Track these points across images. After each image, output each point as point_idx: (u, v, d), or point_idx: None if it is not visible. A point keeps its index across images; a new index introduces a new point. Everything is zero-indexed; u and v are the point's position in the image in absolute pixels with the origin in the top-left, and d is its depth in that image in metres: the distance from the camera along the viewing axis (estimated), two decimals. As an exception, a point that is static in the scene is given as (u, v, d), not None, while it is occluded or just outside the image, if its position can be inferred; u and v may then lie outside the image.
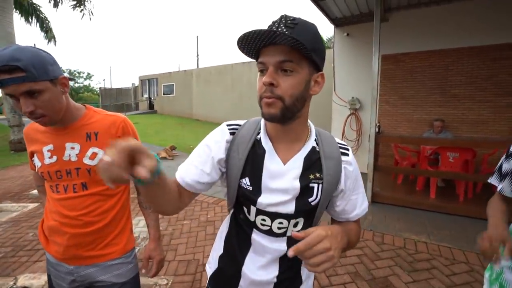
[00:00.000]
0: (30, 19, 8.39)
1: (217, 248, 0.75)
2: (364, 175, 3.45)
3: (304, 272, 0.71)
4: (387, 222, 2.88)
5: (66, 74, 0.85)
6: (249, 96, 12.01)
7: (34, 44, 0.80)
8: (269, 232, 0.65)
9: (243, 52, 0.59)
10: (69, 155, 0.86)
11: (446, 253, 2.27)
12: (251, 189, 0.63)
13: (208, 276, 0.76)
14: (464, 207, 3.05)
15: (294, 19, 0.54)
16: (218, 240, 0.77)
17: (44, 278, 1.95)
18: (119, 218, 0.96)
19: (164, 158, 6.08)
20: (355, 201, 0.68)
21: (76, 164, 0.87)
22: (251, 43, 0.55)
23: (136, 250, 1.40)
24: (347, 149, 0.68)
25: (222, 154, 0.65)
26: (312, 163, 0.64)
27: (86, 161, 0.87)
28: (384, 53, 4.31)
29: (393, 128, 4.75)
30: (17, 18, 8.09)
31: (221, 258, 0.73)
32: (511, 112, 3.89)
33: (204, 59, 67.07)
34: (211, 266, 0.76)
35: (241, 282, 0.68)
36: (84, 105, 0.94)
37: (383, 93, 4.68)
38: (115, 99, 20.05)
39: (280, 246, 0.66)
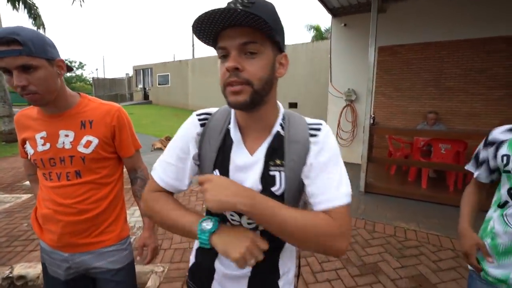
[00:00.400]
0: (17, 5, 8.05)
1: (196, 241, 0.74)
2: (358, 166, 3.54)
3: (283, 266, 0.69)
4: (379, 211, 2.95)
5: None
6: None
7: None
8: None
9: (200, 39, 0.53)
10: (63, 142, 0.86)
11: (434, 240, 2.35)
12: None
13: (189, 268, 0.76)
14: (453, 197, 3.14)
15: None
16: None
17: (40, 267, 1.96)
18: (113, 207, 0.97)
19: (160, 148, 6.06)
20: (324, 182, 0.56)
21: (70, 151, 0.86)
22: (208, 26, 0.49)
23: (132, 239, 1.42)
24: (319, 129, 0.59)
25: (194, 149, 0.63)
26: (275, 150, 0.59)
27: (81, 149, 0.87)
28: (381, 45, 4.30)
29: (388, 120, 4.79)
30: (3, 4, 7.76)
31: (197, 251, 0.73)
32: (502, 105, 3.96)
33: (200, 49, 65.93)
34: (191, 258, 0.76)
35: (215, 275, 0.68)
36: (79, 93, 0.94)
37: (379, 85, 4.68)
38: (109, 89, 19.69)
39: None
